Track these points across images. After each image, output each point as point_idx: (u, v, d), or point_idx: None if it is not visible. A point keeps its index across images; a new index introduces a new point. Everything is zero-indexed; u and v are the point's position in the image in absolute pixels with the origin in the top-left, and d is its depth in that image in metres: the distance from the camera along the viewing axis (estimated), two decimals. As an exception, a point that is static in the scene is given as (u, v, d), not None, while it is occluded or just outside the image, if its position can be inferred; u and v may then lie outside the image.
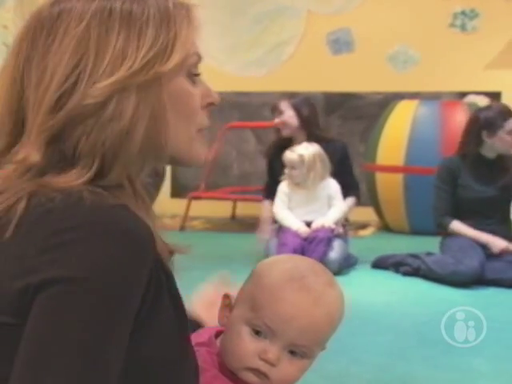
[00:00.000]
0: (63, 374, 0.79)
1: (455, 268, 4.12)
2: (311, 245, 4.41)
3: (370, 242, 5.66)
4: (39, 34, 0.95)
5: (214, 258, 4.88)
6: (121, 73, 0.92)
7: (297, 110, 4.89)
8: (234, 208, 6.95)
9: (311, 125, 4.89)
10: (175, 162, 1.02)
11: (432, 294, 4.01)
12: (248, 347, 1.03)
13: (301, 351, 1.05)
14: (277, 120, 4.93)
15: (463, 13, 6.70)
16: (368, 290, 4.08)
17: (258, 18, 7.10)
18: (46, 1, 1.00)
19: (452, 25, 6.73)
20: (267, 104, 7.09)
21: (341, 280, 4.13)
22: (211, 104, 1.04)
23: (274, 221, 4.71)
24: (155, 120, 0.95)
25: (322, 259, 4.30)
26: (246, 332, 1.04)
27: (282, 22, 7.05)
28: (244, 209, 6.80)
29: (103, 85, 0.91)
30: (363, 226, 6.34)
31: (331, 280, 1.09)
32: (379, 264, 4.63)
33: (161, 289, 0.91)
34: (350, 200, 4.81)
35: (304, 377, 2.46)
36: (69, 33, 0.93)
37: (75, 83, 0.92)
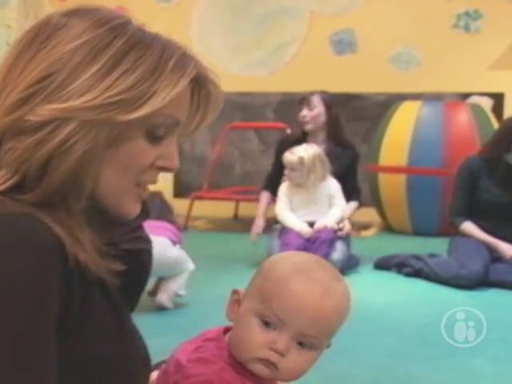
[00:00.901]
0: None
1: (458, 272, 4.12)
2: (314, 245, 4.40)
3: (373, 243, 5.65)
4: (38, 38, 0.95)
5: (217, 258, 4.88)
6: (75, 103, 0.91)
7: (328, 106, 4.82)
8: (237, 208, 6.96)
9: (335, 125, 4.86)
10: (102, 207, 0.99)
11: (434, 295, 4.00)
12: (257, 338, 1.04)
13: (309, 342, 1.06)
14: (305, 112, 4.81)
15: (467, 14, 6.69)
16: (370, 291, 4.08)
17: (260, 18, 7.10)
18: (61, 8, 1.00)
19: (455, 26, 6.72)
20: (270, 104, 7.11)
21: (343, 280, 4.05)
22: (165, 168, 1.01)
23: (276, 221, 4.72)
24: (86, 160, 0.92)
25: (325, 259, 4.30)
26: (255, 323, 1.05)
27: (285, 22, 7.06)
28: (246, 209, 6.80)
29: (52, 107, 0.90)
30: (365, 227, 6.34)
31: (338, 274, 1.11)
32: (381, 265, 4.63)
33: (90, 295, 0.92)
34: (353, 204, 4.82)
35: (305, 378, 2.45)
36: (58, 46, 0.93)
37: (32, 95, 0.91)
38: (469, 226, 4.40)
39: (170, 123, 0.98)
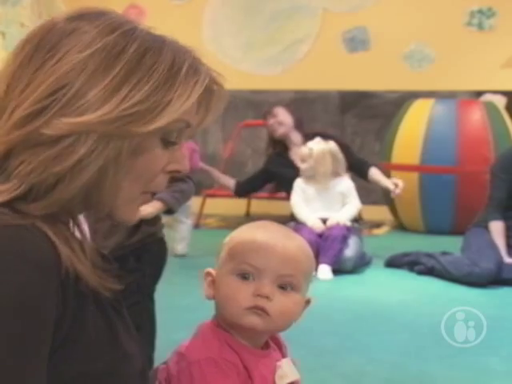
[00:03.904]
0: None
1: (470, 270, 4.11)
2: (326, 242, 4.40)
3: (385, 241, 5.64)
4: (44, 44, 0.92)
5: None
6: (92, 116, 0.88)
7: (289, 111, 5.25)
8: (249, 206, 6.96)
9: (302, 124, 5.23)
10: (104, 214, 0.97)
11: (447, 293, 3.99)
12: (241, 290, 1.09)
13: (289, 283, 1.11)
14: (272, 121, 5.17)
15: (480, 11, 6.66)
16: (383, 289, 4.07)
17: (273, 16, 7.10)
18: (67, 11, 0.97)
19: (469, 23, 6.69)
20: (282, 102, 7.09)
21: (355, 278, 4.14)
22: (176, 171, 0.98)
23: (290, 218, 4.76)
24: (103, 174, 0.90)
25: (338, 257, 4.30)
26: (234, 280, 1.10)
27: (298, 20, 7.05)
28: (258, 207, 6.80)
29: (68, 121, 0.88)
30: (378, 225, 6.33)
31: (290, 230, 1.20)
32: (393, 263, 4.62)
33: (83, 309, 0.90)
34: (374, 169, 4.91)
35: (319, 375, 2.46)
36: (69, 55, 0.90)
37: (45, 108, 0.88)
38: (495, 228, 4.36)
39: (183, 127, 0.96)
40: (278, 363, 1.14)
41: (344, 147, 4.88)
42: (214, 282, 1.14)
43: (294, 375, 1.15)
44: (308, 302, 1.16)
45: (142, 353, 1.04)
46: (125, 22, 0.95)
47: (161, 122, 0.91)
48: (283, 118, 5.15)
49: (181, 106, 0.93)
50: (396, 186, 4.68)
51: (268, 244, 1.11)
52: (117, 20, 0.95)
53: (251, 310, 1.08)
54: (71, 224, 0.98)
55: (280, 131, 5.14)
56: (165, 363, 1.12)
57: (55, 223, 0.90)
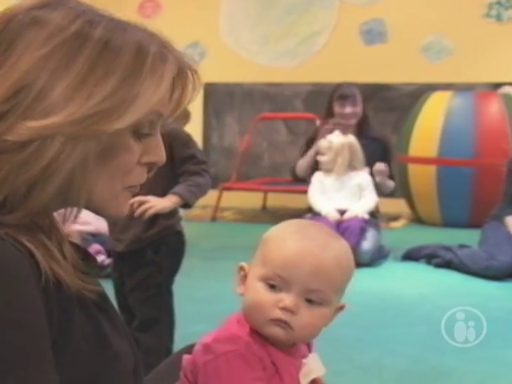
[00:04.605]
0: None
1: (488, 263, 4.10)
2: (344, 234, 4.39)
3: (402, 234, 5.62)
4: (2, 40, 0.86)
5: (245, 248, 4.87)
6: (57, 118, 0.83)
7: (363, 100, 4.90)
8: (265, 199, 6.95)
9: (364, 118, 4.94)
10: (91, 210, 0.94)
11: (465, 286, 3.98)
12: (267, 300, 1.07)
13: (317, 298, 1.07)
14: (350, 110, 4.81)
15: (499, 2, 6.61)
16: (401, 282, 4.06)
17: (290, 8, 7.08)
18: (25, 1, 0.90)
19: (487, 15, 6.64)
20: (299, 95, 7.08)
21: (372, 271, 4.12)
22: (152, 164, 0.94)
23: (307, 210, 4.77)
24: (75, 176, 0.86)
25: (355, 249, 4.29)
26: (262, 287, 1.08)
27: (315, 12, 7.02)
28: (275, 200, 6.80)
29: (33, 125, 0.83)
30: (395, 218, 6.31)
31: (334, 233, 1.15)
32: (411, 256, 4.61)
33: (68, 315, 0.87)
34: (390, 182, 4.82)
35: (337, 367, 2.45)
36: (28, 52, 0.85)
37: (6, 112, 0.83)
38: (511, 222, 4.34)
39: (153, 119, 0.91)
40: (304, 360, 1.12)
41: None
42: (246, 277, 1.12)
43: (319, 371, 1.14)
44: (341, 308, 1.13)
45: (133, 348, 1.02)
46: (86, 11, 0.89)
47: (129, 118, 0.86)
48: (359, 110, 4.86)
49: (149, 98, 0.88)
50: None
51: (298, 255, 1.07)
52: (78, 8, 0.89)
53: (274, 322, 1.07)
54: (47, 225, 0.93)
55: (352, 122, 4.83)
56: (188, 352, 1.12)
57: (30, 229, 0.87)
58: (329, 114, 4.88)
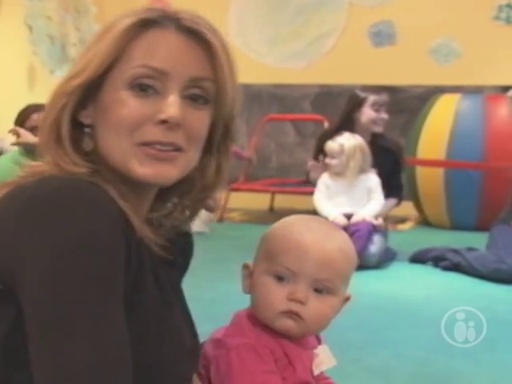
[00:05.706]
0: (75, 336, 0.80)
1: (497, 266, 4.08)
2: (352, 238, 4.35)
3: (409, 237, 5.61)
4: None
5: (252, 249, 4.86)
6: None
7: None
8: (273, 200, 6.95)
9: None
10: (122, 173, 0.99)
11: (473, 289, 3.96)
12: (276, 293, 1.08)
13: (325, 287, 1.09)
14: (384, 116, 4.82)
15: (508, 5, 6.58)
16: (408, 284, 4.05)
17: (299, 10, 7.07)
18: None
19: (496, 17, 6.63)
20: (307, 96, 7.07)
21: (380, 274, 4.09)
22: (163, 121, 0.96)
23: (314, 213, 4.72)
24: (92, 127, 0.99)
25: (362, 253, 4.28)
26: (269, 281, 1.09)
27: (324, 14, 7.02)
28: (282, 201, 6.79)
29: None
30: (402, 221, 6.29)
31: (334, 225, 1.18)
32: (418, 258, 4.59)
33: (143, 266, 0.93)
34: (393, 201, 4.80)
35: (345, 369, 2.44)
36: None
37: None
38: None
39: (149, 73, 0.96)
40: (315, 351, 1.13)
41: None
42: (251, 275, 1.13)
43: (330, 362, 1.14)
44: (347, 299, 1.14)
45: (194, 331, 1.06)
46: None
47: (86, 74, 0.96)
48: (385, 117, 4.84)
49: (108, 53, 0.96)
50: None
51: (305, 246, 1.09)
52: None
53: (285, 314, 1.08)
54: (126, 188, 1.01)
55: (378, 130, 4.82)
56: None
57: (109, 183, 0.95)
58: (347, 120, 4.81)
